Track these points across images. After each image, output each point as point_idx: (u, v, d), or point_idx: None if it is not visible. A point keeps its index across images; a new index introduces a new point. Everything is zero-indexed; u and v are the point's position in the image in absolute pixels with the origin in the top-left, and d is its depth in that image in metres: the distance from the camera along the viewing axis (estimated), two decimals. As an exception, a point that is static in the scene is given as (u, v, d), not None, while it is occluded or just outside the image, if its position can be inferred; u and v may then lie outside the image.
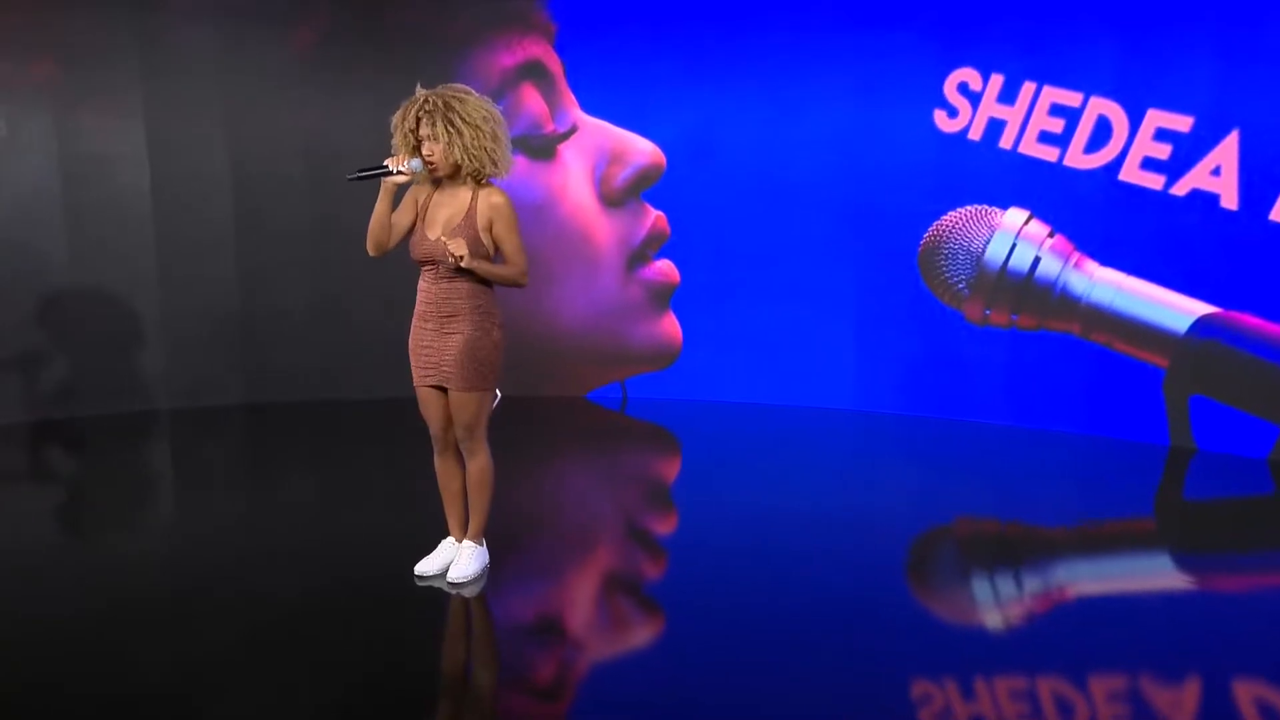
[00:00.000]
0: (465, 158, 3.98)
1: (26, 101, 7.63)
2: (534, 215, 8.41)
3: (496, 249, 4.10)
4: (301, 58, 8.23)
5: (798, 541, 5.00)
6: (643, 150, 8.40)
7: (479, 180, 4.05)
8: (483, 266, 3.97)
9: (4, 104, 7.65)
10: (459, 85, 4.07)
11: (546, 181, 8.47)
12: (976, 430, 7.50)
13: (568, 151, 8.45)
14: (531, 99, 8.48)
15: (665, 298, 8.47)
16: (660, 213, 8.47)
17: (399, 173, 3.98)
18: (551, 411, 8.00)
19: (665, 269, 8.52)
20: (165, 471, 6.83)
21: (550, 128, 8.40)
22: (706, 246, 8.33)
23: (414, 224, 4.12)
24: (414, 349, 4.18)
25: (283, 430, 7.68)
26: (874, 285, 8.04)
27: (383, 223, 4.02)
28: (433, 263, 4.03)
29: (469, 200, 4.03)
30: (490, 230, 4.03)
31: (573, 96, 8.48)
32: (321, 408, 8.32)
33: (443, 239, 3.95)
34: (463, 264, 3.89)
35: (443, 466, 4.38)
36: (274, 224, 8.52)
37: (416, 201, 4.12)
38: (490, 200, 4.02)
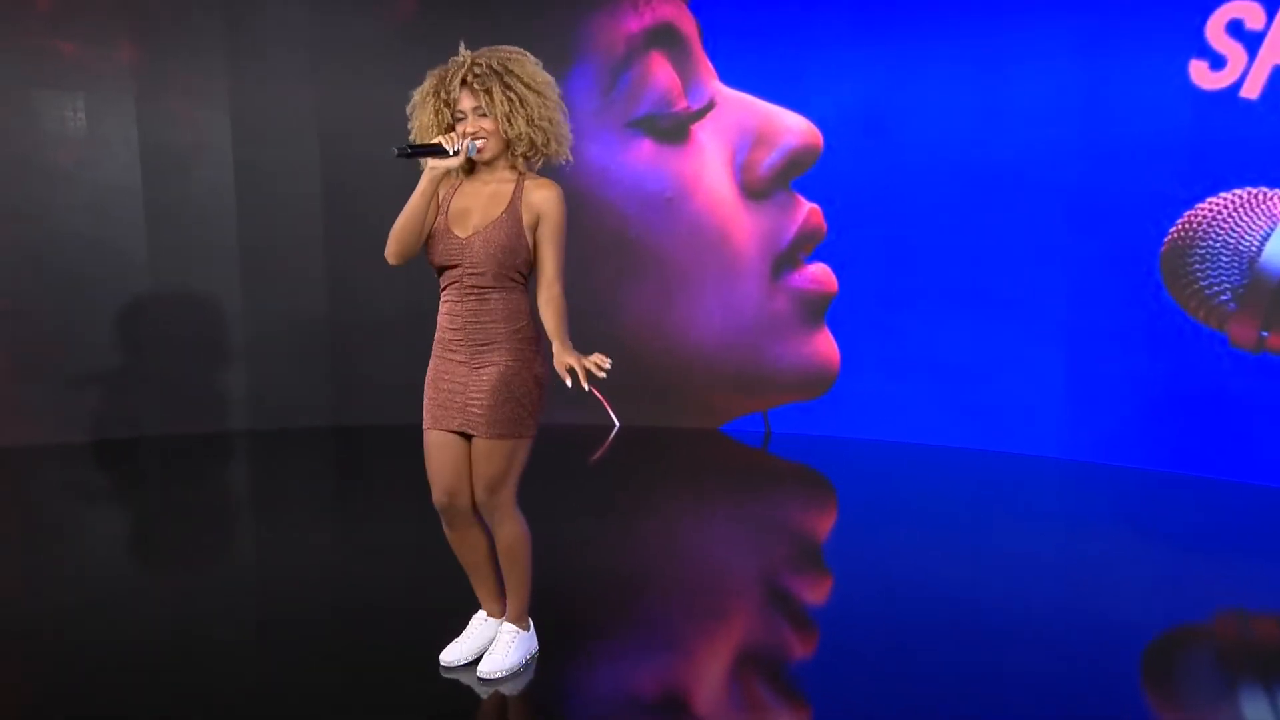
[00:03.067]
0: (532, 131, 2.73)
1: (106, 89, 6.61)
2: (661, 211, 6.62)
3: (530, 259, 2.80)
4: (401, 31, 6.66)
5: (989, 635, 3.50)
6: (794, 129, 6.30)
7: (528, 164, 2.80)
8: (568, 341, 2.74)
9: (82, 91, 6.61)
10: (509, 46, 2.80)
11: (677, 169, 6.51)
12: (1242, 494, 5.24)
13: (703, 132, 6.47)
14: (661, 70, 6.47)
15: (819, 311, 6.43)
16: (815, 206, 6.35)
17: (455, 153, 2.69)
18: (678, 446, 6.23)
19: (820, 275, 6.41)
20: (247, 496, 5.76)
21: (682, 104, 6.42)
22: (872, 248, 6.28)
23: (433, 222, 2.80)
24: (433, 385, 2.85)
25: (373, 453, 6.32)
26: (1096, 296, 5.87)
27: (420, 220, 2.73)
28: (458, 272, 2.74)
29: (510, 190, 2.77)
30: (534, 230, 2.75)
31: (710, 66, 6.47)
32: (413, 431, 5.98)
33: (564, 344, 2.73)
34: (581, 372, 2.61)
35: (457, 538, 2.97)
36: (367, 220, 6.62)
37: (437, 193, 2.80)
38: (540, 191, 2.76)
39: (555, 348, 2.70)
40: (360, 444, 6.56)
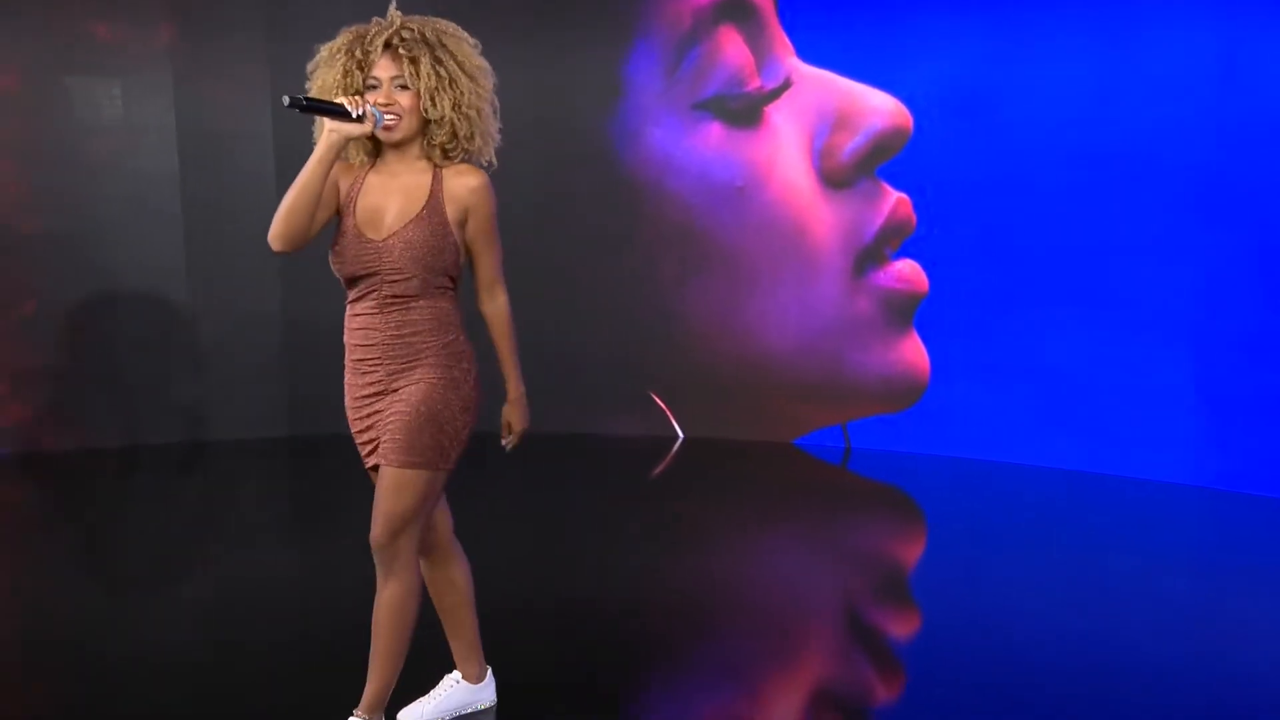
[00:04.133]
0: (456, 118, 2.35)
1: (143, 72, 6.16)
2: (730, 201, 6.09)
3: (465, 255, 2.48)
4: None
5: (1100, 689, 3.16)
6: (880, 110, 5.76)
7: (444, 157, 2.41)
8: (520, 381, 2.57)
9: (118, 75, 6.11)
10: (446, 21, 2.44)
11: (749, 155, 6.01)
12: None
13: (778, 114, 5.95)
14: (731, 46, 5.94)
15: (907, 313, 5.88)
16: (903, 195, 5.78)
17: (358, 118, 2.28)
18: (747, 462, 5.78)
19: (908, 273, 5.85)
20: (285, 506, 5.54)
21: (755, 83, 5.91)
22: (968, 242, 5.70)
23: (331, 219, 2.42)
24: (351, 415, 2.47)
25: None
26: (1231, 297, 5.05)
27: (312, 195, 2.27)
28: (376, 281, 2.35)
29: (428, 182, 2.38)
30: (462, 226, 2.39)
31: (787, 40, 5.92)
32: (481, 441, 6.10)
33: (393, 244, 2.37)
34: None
35: (430, 580, 2.65)
36: None
37: (337, 185, 2.40)
38: (462, 180, 2.39)
39: (511, 392, 2.47)
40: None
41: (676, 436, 6.33)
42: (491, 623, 3.48)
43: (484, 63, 2.43)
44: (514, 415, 2.47)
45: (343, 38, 2.38)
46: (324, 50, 2.39)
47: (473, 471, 5.70)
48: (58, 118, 6.11)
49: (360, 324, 2.39)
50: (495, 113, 2.45)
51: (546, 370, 6.21)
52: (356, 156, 2.44)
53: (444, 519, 2.64)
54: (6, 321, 6.10)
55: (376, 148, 2.44)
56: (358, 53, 2.34)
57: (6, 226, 6.06)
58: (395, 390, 2.39)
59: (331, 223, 2.44)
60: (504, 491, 5.34)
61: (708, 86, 5.99)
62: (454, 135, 2.36)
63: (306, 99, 2.25)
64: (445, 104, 2.33)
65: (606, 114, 6.15)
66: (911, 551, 4.76)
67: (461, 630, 2.75)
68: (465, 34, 2.45)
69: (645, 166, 6.11)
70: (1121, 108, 5.31)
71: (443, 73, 2.33)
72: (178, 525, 5.15)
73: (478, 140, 2.41)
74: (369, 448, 2.45)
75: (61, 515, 5.26)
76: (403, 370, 2.38)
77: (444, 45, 2.36)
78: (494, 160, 2.47)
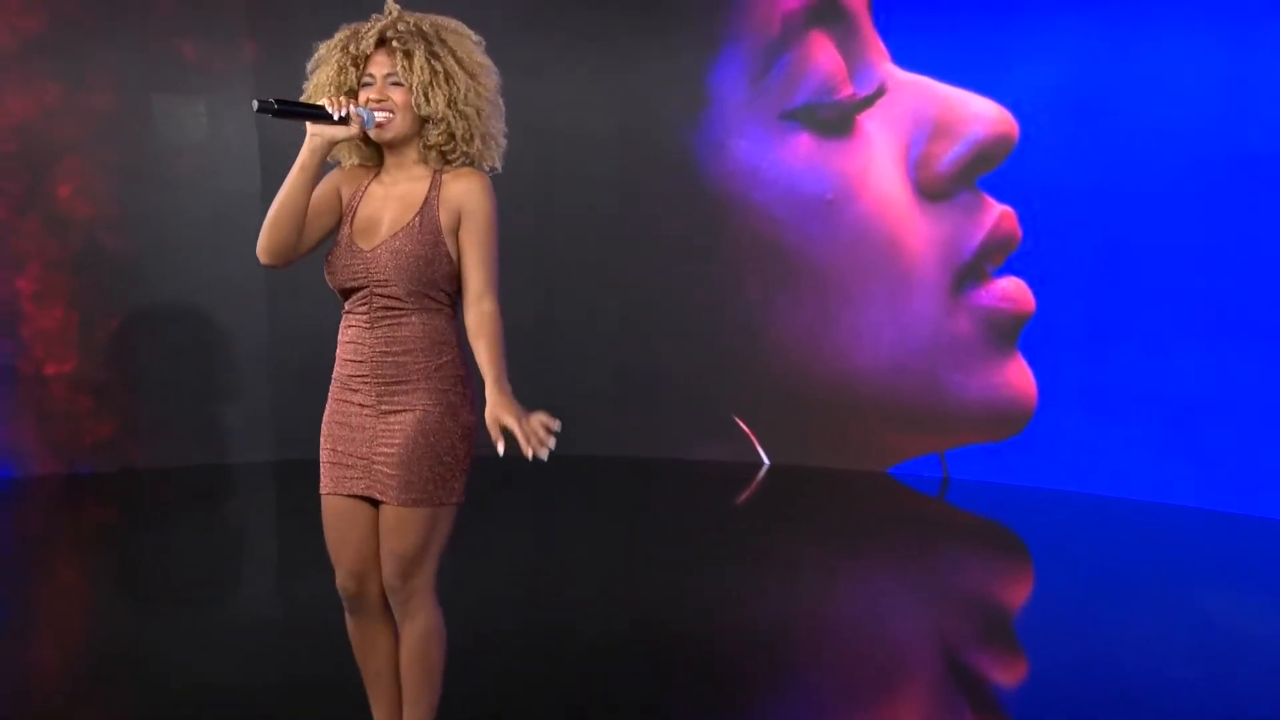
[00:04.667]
0: (452, 115, 2.22)
1: (227, 90, 6.10)
2: (819, 214, 5.89)
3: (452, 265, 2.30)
4: (523, 16, 6.09)
5: None
6: (982, 117, 5.54)
7: (443, 161, 2.27)
8: (507, 383, 2.18)
9: (203, 94, 6.08)
10: (451, 19, 2.32)
11: (840, 166, 5.80)
12: None
13: (871, 123, 5.74)
14: (822, 52, 5.75)
15: (1012, 334, 5.62)
16: (1007, 208, 5.56)
17: (341, 119, 2.17)
18: (837, 491, 5.66)
19: (1012, 291, 5.62)
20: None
21: (847, 91, 5.70)
22: (1079, 258, 5.44)
23: (334, 228, 2.32)
24: (330, 436, 2.32)
25: (514, 484, 5.55)
26: None
27: (298, 207, 2.20)
28: (366, 293, 2.24)
29: (425, 189, 2.25)
30: (455, 233, 2.24)
31: (881, 45, 5.71)
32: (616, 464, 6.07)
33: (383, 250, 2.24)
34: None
35: (363, 636, 2.42)
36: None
37: (339, 193, 2.31)
38: (459, 183, 2.24)
39: (489, 392, 2.15)
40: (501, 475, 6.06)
41: (761, 463, 6.15)
42: (566, 649, 3.49)
43: (486, 61, 2.30)
44: (501, 410, 2.10)
45: (340, 34, 2.28)
46: (322, 48, 2.30)
47: (549, 493, 5.61)
48: (147, 136, 6.11)
49: (350, 338, 2.28)
50: (499, 115, 2.30)
51: (625, 390, 6.16)
52: (349, 160, 2.32)
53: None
54: (92, 338, 6.09)
55: (377, 152, 2.32)
56: (352, 48, 2.24)
57: (95, 243, 6.08)
58: (384, 416, 2.26)
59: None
60: (580, 515, 5.31)
61: (797, 95, 5.85)
62: (451, 135, 2.23)
63: (279, 102, 2.14)
64: (439, 100, 2.19)
65: (690, 124, 6.01)
66: (1016, 593, 4.55)
67: (388, 696, 2.48)
68: (468, 30, 2.32)
69: (730, 179, 5.96)
70: (1252, 109, 4.98)
71: (438, 67, 2.21)
72: (259, 544, 5.08)
73: (477, 142, 2.25)
74: (338, 473, 2.29)
75: (143, 532, 5.22)
76: (391, 392, 2.25)
77: (442, 39, 2.24)
78: (497, 166, 2.32)
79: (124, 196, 6.07)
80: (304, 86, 2.31)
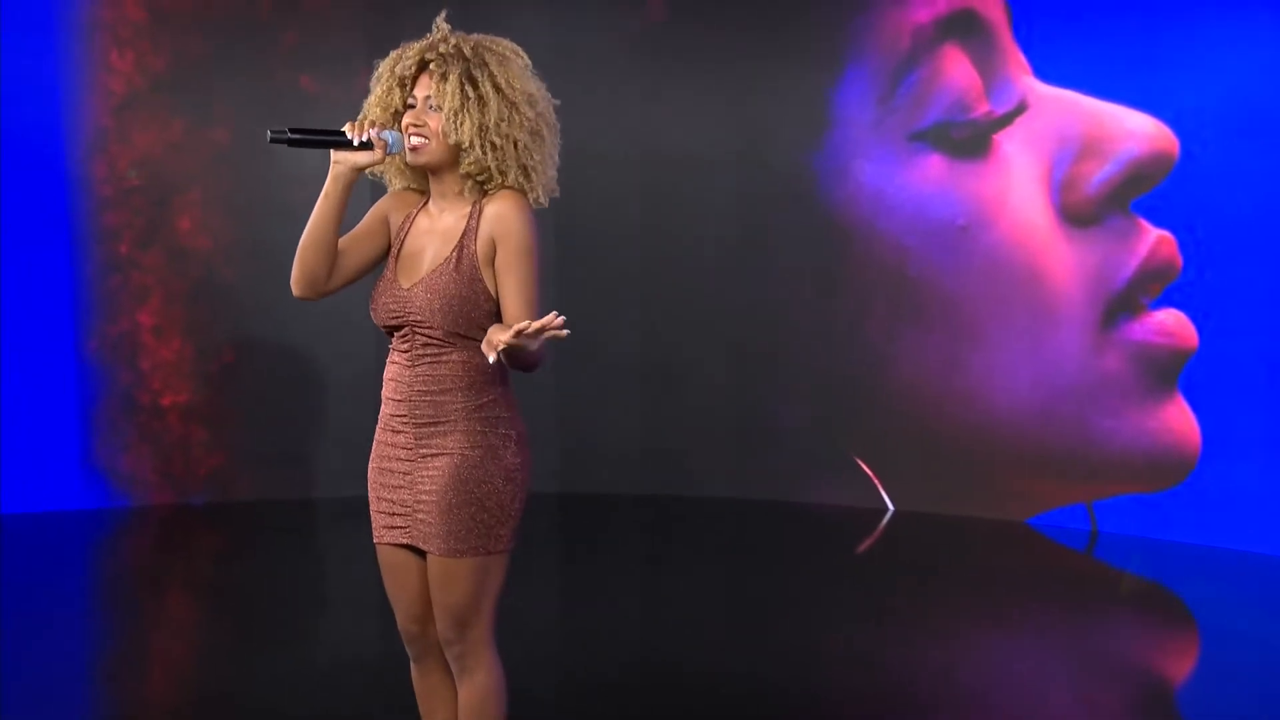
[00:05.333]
0: (481, 145, 2.09)
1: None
2: (950, 242, 5.59)
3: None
4: (647, 38, 6.00)
5: None
6: (1136, 133, 5.14)
7: (482, 192, 2.15)
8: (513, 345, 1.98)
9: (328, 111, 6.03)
10: (506, 40, 2.21)
11: (974, 189, 5.47)
12: None
13: (1010, 142, 5.40)
14: (956, 67, 5.41)
15: (1171, 373, 5.19)
16: (1165, 233, 5.14)
17: (362, 145, 2.10)
18: (969, 543, 5.33)
19: (1171, 325, 5.19)
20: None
21: (983, 108, 5.36)
22: (1249, 289, 4.97)
23: (378, 257, 2.26)
24: (372, 479, 2.26)
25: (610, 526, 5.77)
26: None
27: (324, 238, 2.14)
28: (407, 330, 2.16)
29: (465, 221, 2.14)
30: (492, 263, 2.14)
31: (1022, 58, 5.34)
32: (653, 503, 6.12)
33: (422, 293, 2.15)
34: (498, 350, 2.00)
35: (423, 684, 2.36)
36: (602, 254, 6.14)
37: (388, 222, 2.24)
38: (493, 209, 2.13)
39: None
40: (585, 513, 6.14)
41: (885, 509, 5.85)
42: (666, 701, 3.47)
43: (534, 88, 2.16)
44: (494, 335, 2.00)
45: (393, 53, 2.19)
46: (380, 66, 2.21)
47: (657, 535, 5.64)
48: (266, 168, 6.06)
49: (391, 375, 2.22)
50: (545, 145, 2.16)
51: (739, 429, 5.96)
52: (396, 184, 2.25)
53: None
54: (207, 369, 6.11)
55: (423, 179, 2.24)
56: (399, 69, 2.15)
57: (212, 275, 6.10)
58: (423, 460, 2.18)
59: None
60: (688, 560, 5.20)
61: (927, 114, 5.56)
62: (484, 167, 2.11)
63: (294, 130, 2.09)
64: (466, 129, 2.07)
65: (811, 147, 5.75)
66: (1177, 663, 4.16)
67: None
68: (518, 53, 2.19)
69: (854, 205, 5.69)
70: None
71: (470, 93, 2.09)
72: (364, 580, 4.93)
73: (513, 175, 2.11)
74: (384, 520, 2.23)
75: (249, 565, 5.20)
76: (430, 434, 2.17)
77: (483, 62, 2.12)
78: (543, 200, 2.18)
79: (242, 229, 6.08)
80: (268, 129, 2.22)
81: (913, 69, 5.50)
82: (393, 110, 2.13)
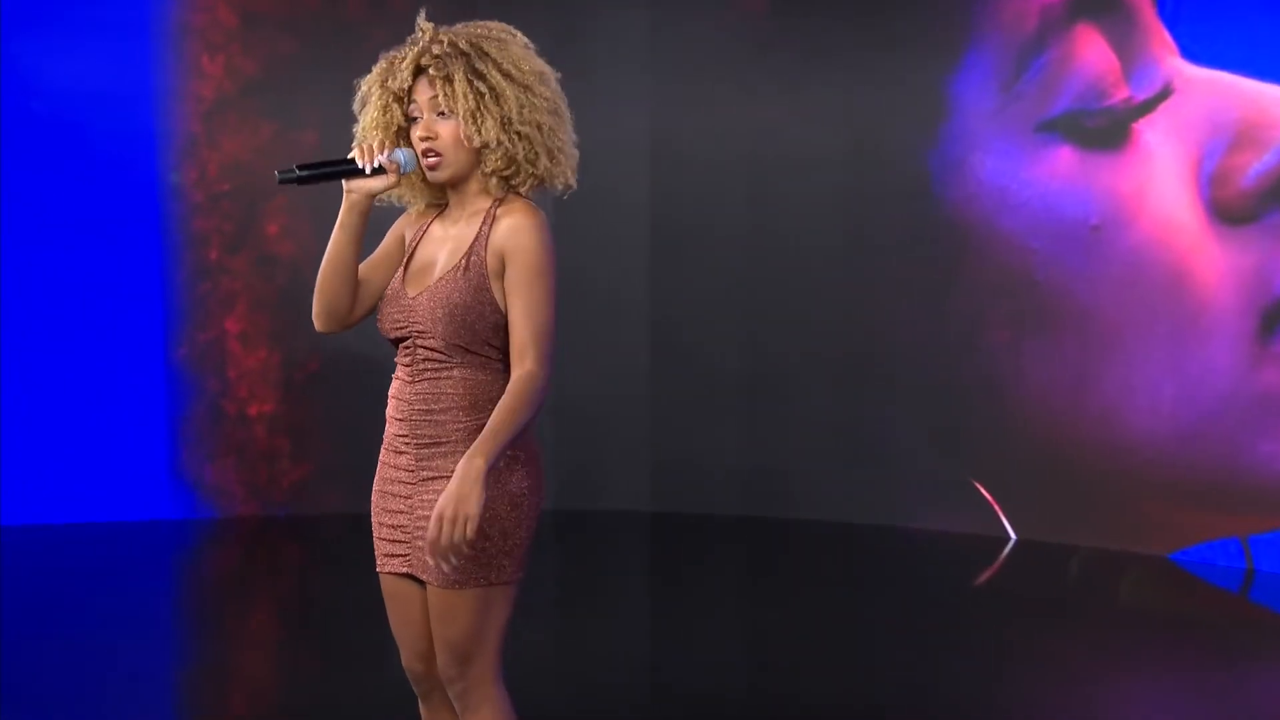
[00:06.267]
0: (508, 140, 2.05)
1: None
2: (1082, 243, 5.31)
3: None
4: (749, 33, 5.92)
5: None
6: None
7: (505, 187, 2.10)
8: (490, 448, 1.96)
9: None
10: (494, 23, 2.15)
11: (1110, 185, 5.19)
12: None
13: (1151, 131, 5.10)
14: (1090, 49, 5.17)
15: None
16: None
17: (374, 170, 2.07)
18: (1102, 578, 5.12)
19: None
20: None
21: (1122, 94, 5.08)
22: None
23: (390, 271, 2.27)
24: (374, 503, 2.23)
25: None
26: None
27: (344, 269, 2.13)
28: (411, 343, 2.13)
29: (478, 225, 2.10)
30: (501, 278, 2.10)
31: (1167, 37, 5.05)
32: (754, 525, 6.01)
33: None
34: (478, 498, 1.91)
35: None
36: (701, 262, 6.04)
37: (404, 238, 2.22)
38: (504, 221, 2.07)
39: (460, 462, 1.94)
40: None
41: (1007, 538, 5.61)
42: None
43: (540, 65, 2.09)
44: (445, 498, 1.90)
45: (378, 66, 2.12)
46: (364, 84, 2.14)
47: (758, 560, 5.55)
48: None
49: (394, 392, 2.20)
50: (565, 122, 2.10)
51: (845, 448, 5.85)
52: (417, 205, 2.18)
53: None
54: (291, 377, 6.15)
55: (432, 185, 2.19)
56: (391, 83, 2.08)
57: (298, 282, 6.13)
58: (423, 484, 2.14)
59: None
60: (790, 588, 5.08)
61: (1057, 101, 5.30)
62: (511, 160, 2.05)
63: (302, 167, 2.06)
64: (489, 126, 2.01)
65: (926, 140, 5.55)
66: None
67: None
68: (514, 34, 2.12)
69: (973, 202, 5.48)
70: None
71: (482, 88, 2.02)
72: None
73: (543, 161, 2.06)
74: (384, 547, 2.18)
75: (329, 579, 5.23)
76: (430, 456, 2.12)
77: (483, 52, 2.05)
78: (572, 183, 2.13)
79: (327, 235, 6.02)
80: (354, 130, 2.17)
81: (1041, 52, 5.25)
82: (395, 128, 2.08)
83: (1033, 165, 5.40)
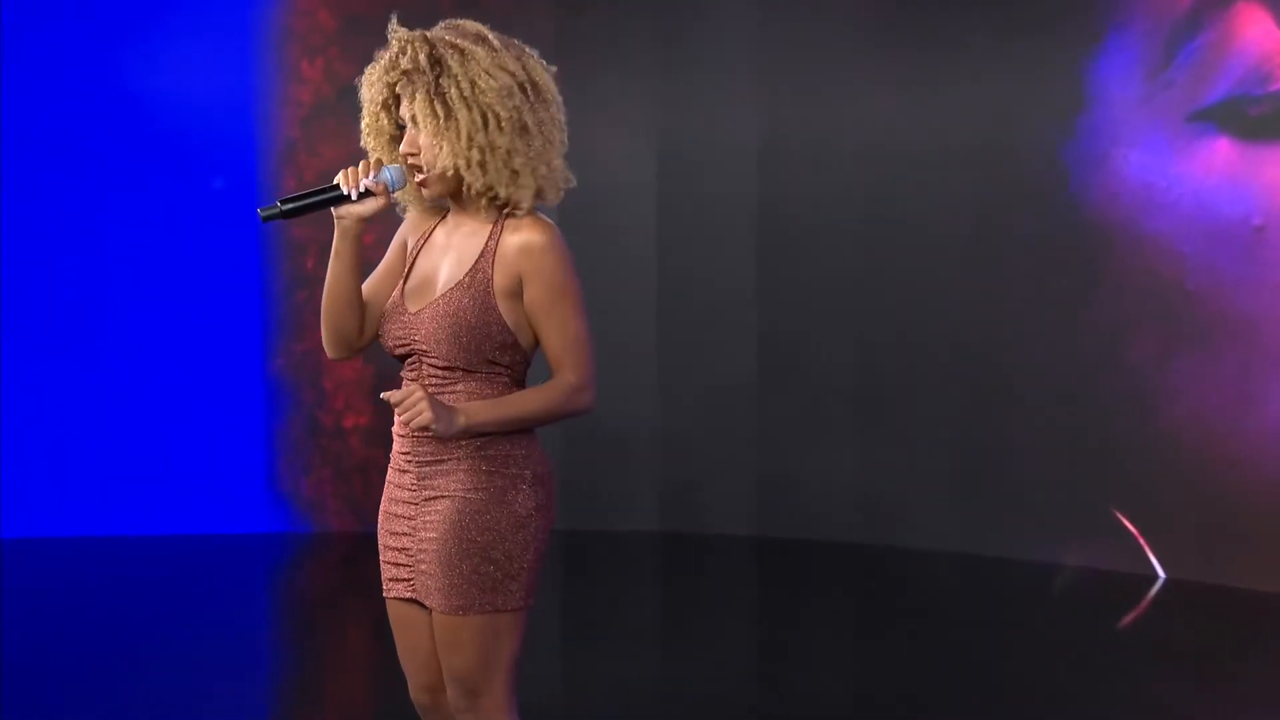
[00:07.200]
0: (461, 165, 2.04)
1: None
2: (1242, 247, 4.99)
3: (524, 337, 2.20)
4: (858, 18, 5.83)
5: None
6: None
7: (503, 205, 2.11)
8: (482, 415, 2.06)
9: None
10: (467, 22, 2.12)
11: (1275, 180, 4.86)
12: None
13: None
14: (1252, 30, 4.88)
15: None
16: None
17: (361, 195, 2.07)
18: (1268, 625, 4.80)
19: None
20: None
21: None
22: None
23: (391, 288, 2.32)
24: (380, 525, 2.24)
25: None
26: None
27: (344, 293, 2.15)
28: (416, 359, 2.14)
29: (483, 240, 2.11)
30: (519, 297, 2.11)
31: None
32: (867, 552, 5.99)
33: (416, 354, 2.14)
34: (439, 431, 2.03)
35: None
36: (810, 269, 5.96)
37: (406, 246, 2.25)
38: (516, 239, 2.09)
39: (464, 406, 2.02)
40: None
41: (1155, 576, 5.29)
42: None
43: (509, 71, 2.02)
44: (440, 408, 1.96)
45: (368, 69, 2.11)
46: (361, 93, 2.19)
47: (874, 589, 5.49)
48: None
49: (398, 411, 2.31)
50: (532, 140, 2.02)
51: (970, 474, 5.65)
52: (418, 208, 2.19)
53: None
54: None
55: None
56: (377, 90, 2.11)
57: None
58: (425, 503, 2.15)
59: None
60: (908, 621, 4.92)
61: (1213, 88, 5.01)
62: (481, 186, 2.04)
63: (284, 200, 2.04)
64: (445, 152, 2.01)
65: (1062, 133, 5.31)
66: None
67: None
68: (483, 36, 2.05)
69: (1115, 201, 5.21)
70: None
71: (438, 109, 2.00)
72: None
73: (504, 189, 2.01)
74: (389, 570, 2.19)
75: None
76: (432, 474, 2.13)
77: (445, 67, 2.02)
78: (549, 201, 2.13)
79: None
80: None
81: (1195, 34, 4.96)
82: (387, 137, 2.09)
83: (1185, 160, 5.12)
